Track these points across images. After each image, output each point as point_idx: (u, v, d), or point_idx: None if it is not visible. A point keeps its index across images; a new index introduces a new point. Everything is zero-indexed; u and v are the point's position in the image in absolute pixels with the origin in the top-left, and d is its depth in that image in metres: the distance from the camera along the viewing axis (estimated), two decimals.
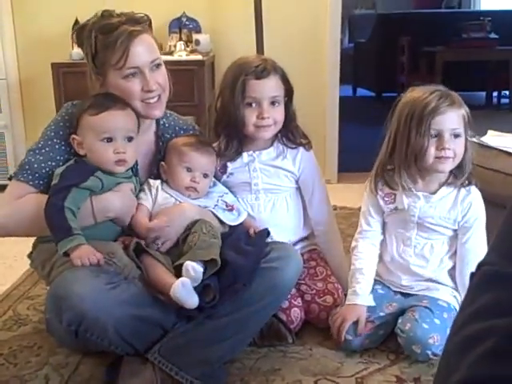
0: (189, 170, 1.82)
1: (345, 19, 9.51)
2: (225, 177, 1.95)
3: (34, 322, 2.06)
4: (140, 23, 1.76)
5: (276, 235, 1.94)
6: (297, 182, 2.00)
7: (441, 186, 1.85)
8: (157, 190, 1.81)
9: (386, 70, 6.93)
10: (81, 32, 1.77)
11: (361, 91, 7.92)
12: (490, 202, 2.12)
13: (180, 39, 3.49)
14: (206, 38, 3.54)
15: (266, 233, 1.82)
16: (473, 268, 0.65)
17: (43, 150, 1.75)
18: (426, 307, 1.80)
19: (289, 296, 1.86)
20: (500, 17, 6.73)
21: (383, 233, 1.95)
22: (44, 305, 1.87)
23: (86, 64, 1.79)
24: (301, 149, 1.98)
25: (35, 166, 1.73)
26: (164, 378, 1.60)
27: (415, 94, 1.81)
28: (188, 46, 3.49)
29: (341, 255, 2.07)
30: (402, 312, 1.84)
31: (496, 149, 2.29)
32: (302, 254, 1.98)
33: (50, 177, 1.71)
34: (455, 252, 1.88)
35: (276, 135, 1.95)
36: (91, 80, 1.79)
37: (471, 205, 1.84)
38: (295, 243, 2.01)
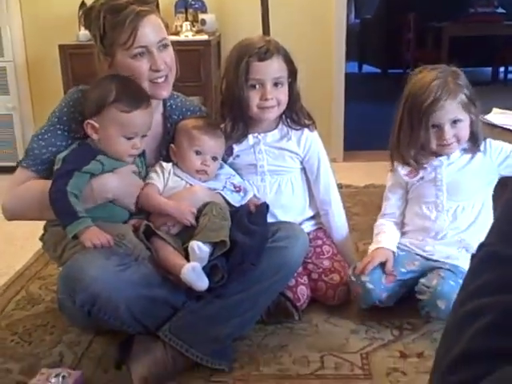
0: (199, 153, 1.84)
1: None
2: (231, 159, 1.98)
3: (46, 301, 2.11)
4: (148, 3, 1.77)
5: (282, 216, 1.99)
6: (302, 162, 2.02)
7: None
8: (169, 173, 1.83)
9: (392, 46, 6.91)
10: (88, 13, 1.77)
11: (366, 68, 7.89)
12: None
13: (186, 19, 3.49)
14: (211, 18, 3.54)
15: (265, 208, 1.85)
16: None
17: (46, 136, 1.78)
18: (448, 270, 1.84)
19: (295, 274, 1.90)
20: None
21: (411, 205, 2.02)
22: (56, 284, 1.91)
23: (94, 45, 1.80)
24: (305, 130, 1.99)
25: (37, 152, 1.77)
26: (175, 355, 1.64)
27: (416, 84, 1.88)
28: (194, 26, 3.49)
29: (346, 233, 2.10)
30: (421, 275, 1.88)
31: (500, 127, 2.30)
32: (308, 233, 2.01)
33: (52, 162, 1.74)
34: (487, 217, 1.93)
35: (280, 117, 1.97)
36: (99, 61, 1.80)
37: (494, 152, 1.93)
38: (301, 223, 2.04)
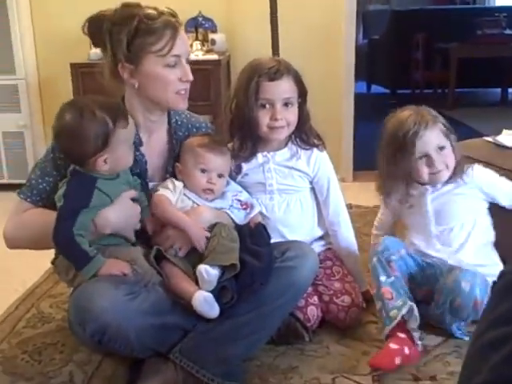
0: (204, 171, 1.83)
1: (359, 15, 9.48)
2: (239, 177, 1.98)
3: (57, 319, 2.11)
4: (176, 17, 1.79)
5: (290, 235, 1.99)
6: (311, 182, 2.03)
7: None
8: (180, 192, 1.83)
9: (401, 67, 6.93)
10: (98, 21, 1.74)
11: (375, 88, 7.91)
12: None
13: (196, 39, 3.52)
14: (221, 38, 3.57)
15: (262, 228, 1.84)
16: None
17: (43, 165, 1.78)
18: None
19: (305, 295, 1.89)
20: None
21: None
22: (66, 303, 1.91)
23: (104, 59, 1.79)
24: (315, 149, 2.00)
25: (34, 182, 1.78)
26: (185, 377, 1.64)
27: (393, 124, 1.98)
28: (204, 46, 3.52)
29: (356, 254, 2.10)
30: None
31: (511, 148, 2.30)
32: (318, 254, 2.00)
33: (47, 192, 1.74)
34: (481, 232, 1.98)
35: (290, 136, 1.98)
36: (111, 73, 1.77)
37: (476, 181, 1.98)
38: (310, 243, 2.04)
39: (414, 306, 1.81)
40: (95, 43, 1.85)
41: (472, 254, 1.94)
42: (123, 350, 1.62)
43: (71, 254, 1.63)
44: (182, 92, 1.80)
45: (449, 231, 1.97)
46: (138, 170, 1.83)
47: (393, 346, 1.74)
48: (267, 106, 1.89)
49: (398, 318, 1.78)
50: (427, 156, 1.93)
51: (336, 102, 3.81)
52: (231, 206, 1.87)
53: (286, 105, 1.90)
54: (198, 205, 1.83)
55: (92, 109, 1.59)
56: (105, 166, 1.64)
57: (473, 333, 0.67)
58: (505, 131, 2.52)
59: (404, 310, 1.78)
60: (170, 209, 1.77)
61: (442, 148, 1.94)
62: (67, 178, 1.68)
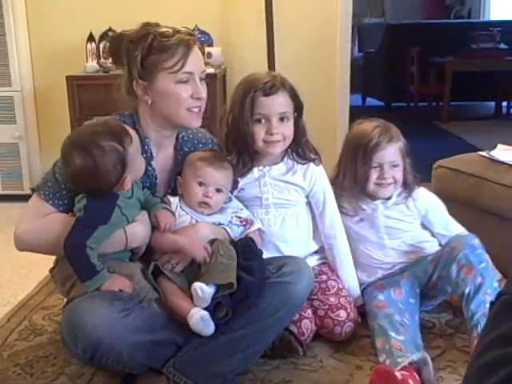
0: (202, 184, 1.84)
1: (354, 28, 9.56)
2: (236, 192, 1.98)
3: (49, 332, 2.09)
4: (192, 35, 1.80)
5: (286, 249, 1.99)
6: (307, 196, 2.03)
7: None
8: (176, 207, 1.84)
9: (396, 80, 6.95)
10: (120, 39, 1.79)
11: (370, 101, 7.94)
12: (500, 216, 2.15)
13: None
14: (218, 51, 3.58)
15: (251, 242, 1.83)
16: None
17: (63, 170, 1.76)
18: None
19: None
20: (510, 27, 6.74)
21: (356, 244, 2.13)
22: (59, 315, 1.90)
23: (118, 75, 1.83)
24: (311, 164, 2.01)
25: (56, 186, 1.75)
26: None
27: (360, 129, 2.08)
28: None
29: (351, 268, 2.09)
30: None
31: (507, 163, 2.31)
32: (313, 268, 2.00)
33: (71, 198, 1.73)
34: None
35: (286, 150, 1.99)
36: (127, 89, 1.80)
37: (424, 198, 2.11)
38: (305, 257, 2.04)
39: (428, 359, 1.73)
40: (115, 61, 1.90)
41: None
42: (116, 366, 1.62)
43: (79, 265, 1.62)
44: (195, 110, 1.80)
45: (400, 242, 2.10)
46: (149, 183, 1.85)
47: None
48: (263, 120, 1.89)
49: (406, 362, 1.71)
50: (380, 167, 2.03)
51: (331, 115, 3.83)
52: (230, 221, 1.87)
53: (281, 119, 1.90)
54: (196, 220, 1.83)
55: (98, 143, 1.59)
56: (129, 184, 1.67)
57: (472, 355, 0.66)
58: (499, 146, 2.53)
59: (415, 357, 1.71)
60: (161, 235, 1.77)
61: (395, 165, 2.04)
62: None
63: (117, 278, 1.64)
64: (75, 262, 1.63)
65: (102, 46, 3.60)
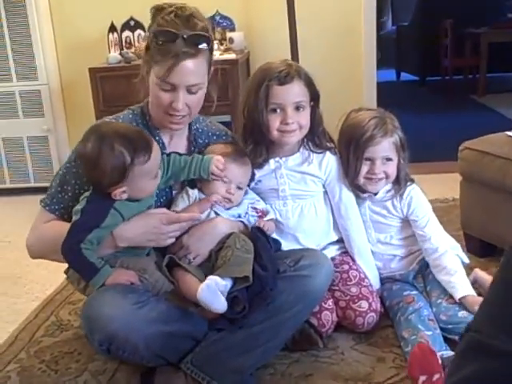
0: (224, 180, 1.82)
1: (387, 2, 9.35)
2: (253, 184, 1.95)
3: (75, 327, 2.12)
4: (197, 45, 1.70)
5: (305, 240, 1.97)
6: (324, 186, 2.00)
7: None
8: (195, 200, 1.81)
9: (430, 54, 6.80)
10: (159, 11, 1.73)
11: (405, 76, 7.79)
12: None
13: (214, 38, 3.49)
14: (240, 36, 3.54)
15: (257, 233, 1.79)
16: None
17: (62, 174, 1.78)
18: None
19: None
20: None
21: None
22: None
23: (139, 66, 1.81)
24: (327, 152, 1.97)
25: (53, 190, 1.78)
26: None
27: (356, 118, 1.99)
28: (222, 45, 3.50)
29: (369, 257, 2.06)
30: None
31: None
32: (334, 258, 1.99)
33: (66, 201, 1.75)
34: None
35: (302, 140, 1.95)
36: (141, 77, 1.78)
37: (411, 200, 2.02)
38: (326, 247, 2.01)
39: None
40: None
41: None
42: (132, 359, 1.62)
43: (79, 267, 1.64)
44: (173, 119, 1.76)
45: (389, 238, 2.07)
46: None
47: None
48: (278, 110, 1.86)
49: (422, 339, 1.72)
50: (372, 161, 1.95)
51: (357, 92, 3.74)
52: (247, 213, 1.86)
53: (297, 108, 1.86)
54: (215, 212, 1.81)
55: (111, 141, 1.57)
56: (123, 195, 1.62)
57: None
58: None
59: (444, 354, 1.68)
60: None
61: (388, 159, 1.97)
62: (89, 192, 1.67)
63: (120, 271, 1.63)
64: (74, 264, 1.65)
65: (124, 36, 3.60)
